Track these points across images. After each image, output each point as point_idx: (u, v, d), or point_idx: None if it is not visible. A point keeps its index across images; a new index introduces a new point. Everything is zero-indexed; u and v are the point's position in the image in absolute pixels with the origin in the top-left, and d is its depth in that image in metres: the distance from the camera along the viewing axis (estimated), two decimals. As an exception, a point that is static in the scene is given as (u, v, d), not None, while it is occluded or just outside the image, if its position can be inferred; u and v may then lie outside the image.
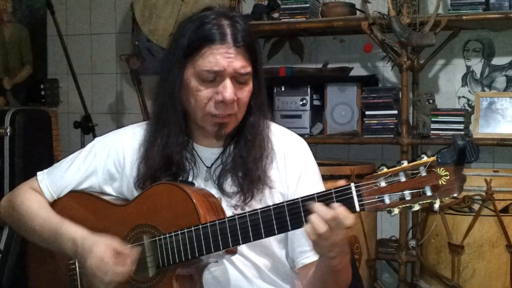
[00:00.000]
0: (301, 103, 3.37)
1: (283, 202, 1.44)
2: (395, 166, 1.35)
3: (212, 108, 1.56)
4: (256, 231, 1.45)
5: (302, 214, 1.41)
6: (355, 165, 3.11)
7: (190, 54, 1.56)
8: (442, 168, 1.30)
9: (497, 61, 3.37)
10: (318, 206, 1.38)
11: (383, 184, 1.34)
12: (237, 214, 1.48)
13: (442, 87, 3.46)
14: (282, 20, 3.38)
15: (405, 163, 1.34)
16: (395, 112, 3.21)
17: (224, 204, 1.60)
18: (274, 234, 1.45)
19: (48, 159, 3.06)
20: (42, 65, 4.28)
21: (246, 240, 1.46)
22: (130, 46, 4.02)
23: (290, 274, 1.69)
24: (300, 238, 1.62)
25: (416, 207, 1.33)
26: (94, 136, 3.31)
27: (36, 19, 4.24)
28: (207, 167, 1.66)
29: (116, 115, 4.16)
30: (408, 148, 3.14)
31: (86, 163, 1.72)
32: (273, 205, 1.45)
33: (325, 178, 1.73)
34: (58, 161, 1.81)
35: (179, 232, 1.51)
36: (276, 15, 3.47)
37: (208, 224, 1.48)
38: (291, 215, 1.42)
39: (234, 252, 1.53)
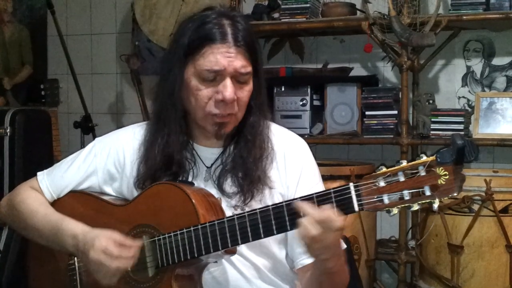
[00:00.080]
0: (301, 103, 3.37)
1: (282, 202, 1.44)
2: (394, 166, 1.34)
3: (212, 108, 1.56)
4: (255, 231, 1.45)
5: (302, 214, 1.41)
6: (355, 165, 3.11)
7: (191, 53, 1.56)
8: (441, 168, 1.29)
9: (497, 61, 3.37)
10: (309, 209, 1.38)
11: (382, 184, 1.34)
12: (236, 214, 1.47)
13: (442, 87, 3.46)
14: (282, 20, 3.38)
15: (404, 163, 1.33)
16: (395, 112, 3.21)
17: (224, 205, 1.59)
18: (273, 234, 1.45)
19: (48, 159, 3.06)
20: (42, 65, 4.28)
21: (245, 240, 1.46)
22: (130, 46, 4.02)
23: (289, 274, 1.69)
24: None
25: (415, 207, 1.33)
26: (94, 136, 3.32)
27: (36, 19, 4.24)
28: (207, 167, 1.66)
29: (116, 115, 4.17)
30: (408, 149, 3.14)
31: (86, 163, 1.72)
32: (272, 205, 1.45)
33: (325, 178, 1.73)
34: (58, 161, 1.81)
35: (178, 232, 1.50)
36: (276, 15, 3.47)
37: (207, 224, 1.48)
38: (290, 215, 1.42)
39: (233, 252, 1.53)
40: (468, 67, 3.42)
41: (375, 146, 3.48)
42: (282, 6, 3.39)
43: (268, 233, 1.44)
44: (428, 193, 1.31)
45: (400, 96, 3.16)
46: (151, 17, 3.58)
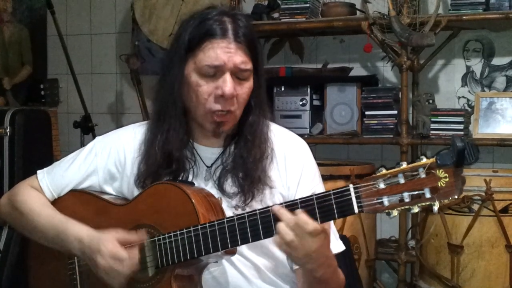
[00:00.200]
0: (301, 103, 3.37)
1: (281, 203, 1.44)
2: (394, 168, 1.34)
3: (212, 104, 1.56)
4: (254, 232, 1.45)
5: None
6: (355, 165, 3.11)
7: (191, 49, 1.56)
8: (441, 170, 1.29)
9: (497, 61, 3.37)
10: (284, 214, 1.39)
11: (382, 185, 1.34)
12: (236, 215, 1.47)
13: (442, 87, 3.46)
14: (282, 20, 3.38)
15: (404, 165, 1.33)
16: (395, 112, 3.21)
17: (224, 205, 1.59)
18: (272, 235, 1.44)
19: (47, 159, 3.06)
20: (42, 65, 4.28)
21: (244, 241, 1.46)
22: (130, 46, 4.02)
23: (290, 274, 1.69)
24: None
25: (415, 209, 1.32)
26: (94, 136, 3.30)
27: (36, 19, 4.24)
28: (207, 166, 1.66)
29: (116, 115, 4.17)
30: (408, 148, 3.14)
31: (87, 162, 1.72)
32: (272, 205, 1.45)
33: (325, 178, 1.73)
34: (57, 161, 1.81)
35: (178, 232, 1.50)
36: (276, 15, 3.47)
37: (207, 225, 1.48)
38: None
39: (233, 253, 1.53)
40: (468, 67, 3.42)
41: (375, 146, 3.48)
42: (282, 6, 3.39)
43: (268, 234, 1.44)
44: (428, 195, 1.30)
45: (400, 96, 3.16)
46: (151, 17, 3.58)
